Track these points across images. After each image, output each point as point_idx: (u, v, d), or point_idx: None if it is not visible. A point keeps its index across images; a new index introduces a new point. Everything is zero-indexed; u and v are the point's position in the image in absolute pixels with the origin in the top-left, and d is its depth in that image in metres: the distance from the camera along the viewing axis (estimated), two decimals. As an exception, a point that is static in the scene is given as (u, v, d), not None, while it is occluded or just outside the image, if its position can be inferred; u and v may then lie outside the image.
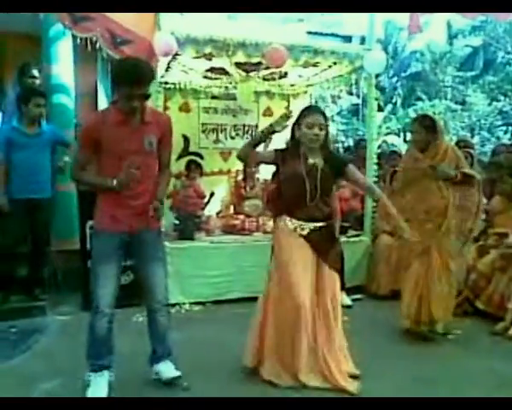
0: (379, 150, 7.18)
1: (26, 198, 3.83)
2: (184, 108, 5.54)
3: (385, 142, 13.38)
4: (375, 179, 4.81)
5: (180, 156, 5.35)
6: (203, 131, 5.65)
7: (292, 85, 5.76)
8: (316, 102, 12.00)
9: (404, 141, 14.60)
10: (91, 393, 2.47)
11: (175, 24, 3.88)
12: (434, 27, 14.86)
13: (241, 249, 4.34)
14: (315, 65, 4.64)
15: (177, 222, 4.45)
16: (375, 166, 4.81)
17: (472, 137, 13.09)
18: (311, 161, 2.72)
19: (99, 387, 2.49)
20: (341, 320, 2.77)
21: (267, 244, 4.18)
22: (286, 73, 5.13)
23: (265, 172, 5.13)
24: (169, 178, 2.83)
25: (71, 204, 4.41)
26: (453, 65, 15.54)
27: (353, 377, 2.68)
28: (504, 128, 14.20)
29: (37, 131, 3.89)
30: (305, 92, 6.01)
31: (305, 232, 2.69)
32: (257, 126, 5.86)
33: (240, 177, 5.23)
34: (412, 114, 14.08)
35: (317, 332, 2.63)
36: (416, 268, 3.41)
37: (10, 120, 4.08)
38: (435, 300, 3.32)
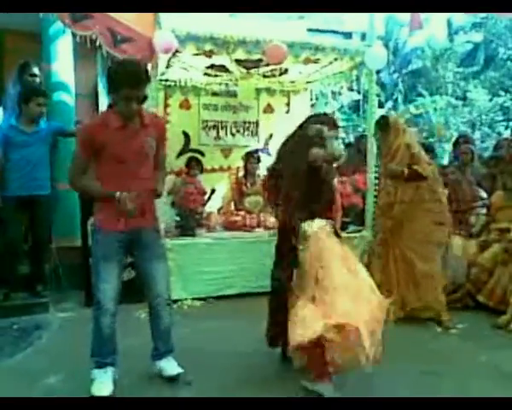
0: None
1: (24, 195, 3.83)
2: (185, 105, 5.55)
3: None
4: (376, 175, 4.81)
5: (181, 153, 5.37)
6: (203, 128, 5.66)
7: (292, 82, 5.76)
8: (316, 98, 12.00)
9: (405, 137, 14.56)
10: (95, 389, 2.48)
11: (175, 21, 3.89)
12: (435, 23, 14.84)
13: (242, 246, 4.35)
14: (315, 61, 4.63)
15: (178, 219, 4.45)
16: (376, 162, 4.80)
17: (473, 132, 13.05)
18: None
19: (103, 384, 2.50)
20: None
21: (268, 240, 4.20)
22: (286, 70, 5.13)
23: (265, 168, 5.15)
24: (166, 174, 2.87)
25: (72, 201, 4.41)
26: (454, 61, 15.50)
27: None
28: (505, 124, 14.16)
29: (35, 130, 3.89)
30: (306, 89, 6.01)
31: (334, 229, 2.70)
32: (257, 123, 5.87)
33: (240, 173, 5.23)
34: (413, 111, 14.08)
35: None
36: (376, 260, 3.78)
37: (9, 118, 4.08)
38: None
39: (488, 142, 12.53)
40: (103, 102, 5.37)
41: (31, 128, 3.87)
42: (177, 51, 4.00)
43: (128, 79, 2.36)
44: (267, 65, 4.68)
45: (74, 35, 3.86)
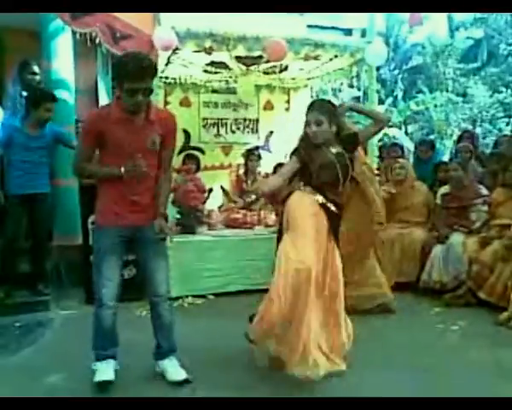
0: (380, 143, 7.17)
1: (24, 194, 3.84)
2: (185, 103, 5.54)
3: (386, 134, 13.34)
4: (376, 172, 4.80)
5: (181, 151, 5.35)
6: (204, 126, 5.65)
7: (292, 79, 5.74)
8: (317, 95, 11.96)
9: (406, 134, 14.57)
10: (98, 377, 2.52)
11: (175, 18, 3.87)
12: (436, 20, 14.80)
13: (243, 243, 4.35)
14: (315, 58, 4.62)
15: (178, 216, 4.45)
16: (377, 159, 4.80)
17: (473, 129, 13.05)
18: (333, 150, 2.74)
19: (105, 372, 2.54)
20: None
21: (269, 237, 4.20)
22: (286, 67, 5.12)
23: (266, 165, 5.14)
24: (171, 182, 2.80)
25: (72, 199, 4.42)
26: (454, 57, 15.48)
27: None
28: (506, 120, 14.14)
29: (39, 134, 3.89)
30: (306, 86, 6.00)
31: (332, 208, 2.71)
32: (257, 120, 5.87)
33: (241, 171, 5.23)
34: (413, 107, 14.06)
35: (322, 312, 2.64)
36: None
37: (11, 117, 4.07)
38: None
39: (489, 138, 12.52)
40: (103, 100, 5.37)
41: (36, 132, 3.87)
42: (176, 48, 3.99)
43: (133, 71, 2.33)
44: (267, 62, 4.67)
45: (74, 32, 3.86)
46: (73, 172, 2.63)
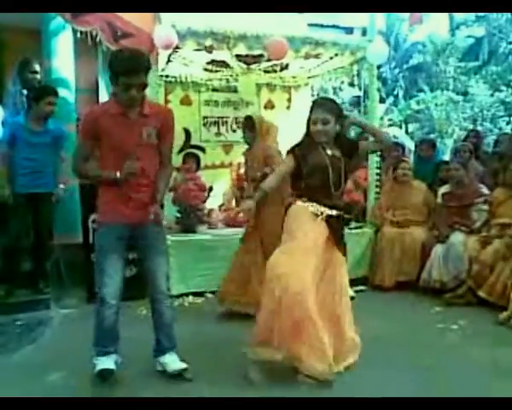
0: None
1: (28, 192, 3.84)
2: (185, 102, 5.54)
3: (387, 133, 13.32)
4: (378, 171, 4.80)
5: (181, 150, 5.35)
6: (204, 125, 5.65)
7: (293, 77, 5.74)
8: (317, 94, 11.94)
9: (406, 133, 14.55)
10: (99, 367, 2.54)
11: (175, 16, 3.87)
12: (437, 18, 14.78)
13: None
14: (316, 56, 4.62)
15: (178, 215, 4.45)
16: (378, 158, 4.80)
17: (474, 127, 13.04)
18: (329, 152, 2.74)
19: (106, 363, 2.56)
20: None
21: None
22: (287, 65, 5.11)
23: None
24: (170, 175, 2.80)
25: (73, 198, 4.42)
26: (455, 56, 15.46)
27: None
28: (507, 119, 14.12)
29: (42, 129, 3.88)
30: (307, 84, 6.00)
31: (324, 216, 2.69)
32: (258, 119, 5.85)
33: (242, 169, 5.22)
34: (414, 106, 14.05)
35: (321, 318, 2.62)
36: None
37: (12, 115, 4.07)
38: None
39: (490, 137, 12.50)
40: (104, 98, 5.36)
41: (39, 127, 3.87)
42: (177, 47, 3.99)
43: (126, 65, 2.35)
44: (268, 60, 4.66)
45: (74, 31, 3.85)
46: (73, 171, 2.64)
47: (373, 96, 4.80)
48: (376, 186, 4.79)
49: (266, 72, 5.31)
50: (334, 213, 2.72)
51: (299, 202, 2.72)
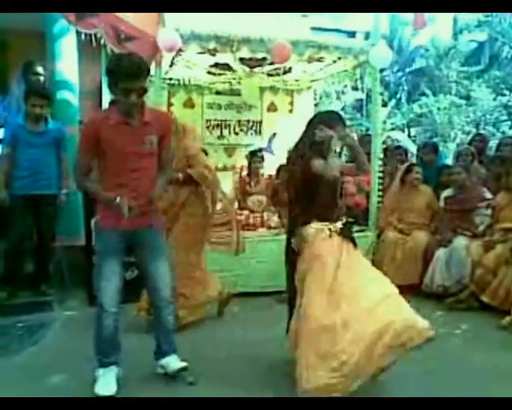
0: (383, 146, 7.15)
1: (30, 194, 3.84)
2: (188, 104, 5.55)
3: (389, 137, 13.33)
4: (380, 175, 4.80)
5: (184, 152, 5.35)
6: (207, 127, 5.66)
7: (296, 81, 5.75)
8: (320, 97, 11.98)
9: (409, 136, 14.54)
10: (99, 389, 2.49)
11: (179, 20, 3.88)
12: (440, 22, 14.78)
13: (246, 245, 4.33)
14: (319, 60, 4.63)
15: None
16: (380, 162, 4.80)
17: (477, 132, 13.02)
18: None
19: (107, 382, 2.51)
20: None
21: (272, 239, 4.20)
22: (290, 69, 5.12)
23: (269, 167, 5.15)
24: (169, 176, 2.81)
25: (76, 201, 4.42)
26: (458, 60, 15.45)
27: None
28: (509, 123, 14.10)
29: (41, 130, 3.89)
30: (310, 88, 6.00)
31: (337, 230, 2.63)
32: (261, 122, 5.87)
33: (244, 172, 5.23)
34: (417, 110, 14.03)
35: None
36: None
37: (15, 117, 4.09)
38: None
39: (492, 141, 12.48)
40: (108, 101, 5.37)
41: (37, 128, 3.87)
42: (180, 50, 4.00)
43: (125, 71, 2.34)
44: (271, 63, 4.67)
45: (79, 33, 3.86)
46: (74, 182, 2.63)
47: (376, 100, 4.80)
48: (379, 190, 4.79)
49: (269, 75, 5.32)
50: (339, 224, 2.66)
51: (310, 230, 2.62)
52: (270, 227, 4.61)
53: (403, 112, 14.51)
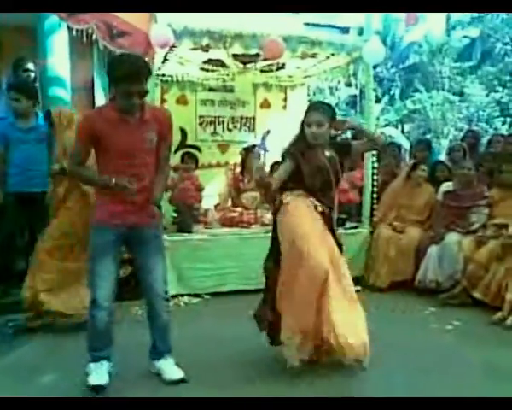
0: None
1: (22, 192, 3.81)
2: (181, 101, 5.52)
3: (382, 133, 13.34)
4: (374, 171, 4.81)
5: (177, 149, 5.34)
6: (200, 124, 5.64)
7: (289, 77, 5.73)
8: (314, 93, 11.96)
9: (402, 132, 14.57)
10: (92, 380, 2.49)
11: (171, 16, 3.85)
12: (433, 18, 14.78)
13: (239, 242, 4.34)
14: (312, 56, 4.62)
15: (175, 215, 4.44)
16: (374, 158, 4.80)
17: (470, 128, 13.08)
18: (327, 154, 2.80)
19: (99, 375, 2.52)
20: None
21: (265, 237, 4.18)
22: (283, 65, 5.11)
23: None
24: (168, 176, 2.81)
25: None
26: (451, 56, 15.48)
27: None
28: (502, 119, 14.16)
29: (31, 126, 3.85)
30: (303, 84, 5.99)
31: (320, 209, 2.75)
32: (254, 118, 5.86)
33: (238, 169, 5.22)
34: (410, 106, 14.06)
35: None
36: None
37: (5, 113, 4.05)
38: None
39: (485, 137, 12.53)
40: (100, 97, 5.34)
41: (27, 124, 3.84)
42: (173, 46, 3.97)
43: (129, 73, 2.32)
44: (264, 60, 4.66)
45: (70, 29, 3.83)
46: (68, 173, 2.62)
47: (369, 96, 4.80)
48: (373, 186, 4.80)
49: (262, 71, 5.30)
50: (327, 211, 2.78)
51: (296, 195, 2.74)
52: (263, 224, 4.61)
53: (396, 108, 14.53)
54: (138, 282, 2.68)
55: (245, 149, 5.23)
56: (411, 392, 2.48)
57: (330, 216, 2.81)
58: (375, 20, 5.57)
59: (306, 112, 2.81)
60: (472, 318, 3.67)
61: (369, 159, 4.70)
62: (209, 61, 4.80)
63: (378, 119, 12.95)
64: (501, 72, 14.88)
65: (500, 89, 14.40)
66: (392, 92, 15.85)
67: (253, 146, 5.40)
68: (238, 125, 5.79)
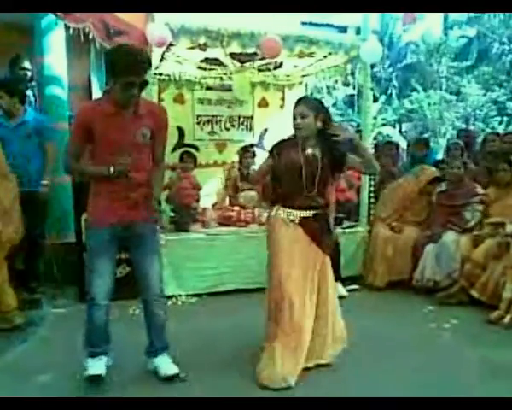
0: (374, 141, 7.18)
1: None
2: (179, 100, 5.51)
3: (380, 133, 13.38)
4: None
5: (175, 148, 5.33)
6: (198, 123, 5.63)
7: (287, 76, 5.73)
8: (311, 93, 11.95)
9: (400, 132, 14.61)
10: (89, 371, 2.52)
11: (168, 14, 3.84)
12: (431, 18, 14.82)
13: (237, 241, 4.34)
14: (310, 55, 4.61)
15: (172, 214, 4.43)
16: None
17: (467, 127, 13.11)
18: (309, 151, 2.71)
19: (96, 368, 2.54)
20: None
21: (263, 236, 4.17)
22: (281, 64, 5.10)
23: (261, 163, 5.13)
24: (163, 173, 2.80)
25: (66, 197, 4.38)
26: (448, 55, 15.53)
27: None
28: (499, 118, 14.21)
29: (17, 123, 3.82)
30: (301, 83, 5.99)
31: (296, 220, 2.70)
32: (252, 117, 5.85)
33: (235, 168, 5.20)
34: (407, 105, 14.10)
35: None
36: None
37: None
38: None
39: (482, 137, 12.56)
40: (97, 96, 5.32)
41: (13, 121, 3.80)
42: (170, 44, 3.96)
43: (128, 64, 2.30)
44: (262, 59, 4.65)
45: (67, 28, 3.81)
46: (64, 168, 2.61)
47: (367, 96, 4.80)
48: (370, 185, 4.80)
49: (260, 70, 5.30)
50: (308, 213, 2.70)
51: (272, 212, 2.79)
52: (261, 223, 4.60)
53: (394, 107, 14.59)
54: (135, 281, 2.68)
55: (243, 148, 5.23)
56: (409, 391, 2.49)
57: (316, 218, 2.71)
58: (373, 19, 5.56)
59: (294, 106, 2.78)
60: (469, 316, 3.68)
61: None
62: (206, 60, 4.79)
63: (375, 118, 12.98)
64: (498, 71, 14.95)
65: (497, 88, 14.46)
66: (389, 92, 15.89)
67: (251, 145, 5.41)
68: (236, 125, 5.78)
